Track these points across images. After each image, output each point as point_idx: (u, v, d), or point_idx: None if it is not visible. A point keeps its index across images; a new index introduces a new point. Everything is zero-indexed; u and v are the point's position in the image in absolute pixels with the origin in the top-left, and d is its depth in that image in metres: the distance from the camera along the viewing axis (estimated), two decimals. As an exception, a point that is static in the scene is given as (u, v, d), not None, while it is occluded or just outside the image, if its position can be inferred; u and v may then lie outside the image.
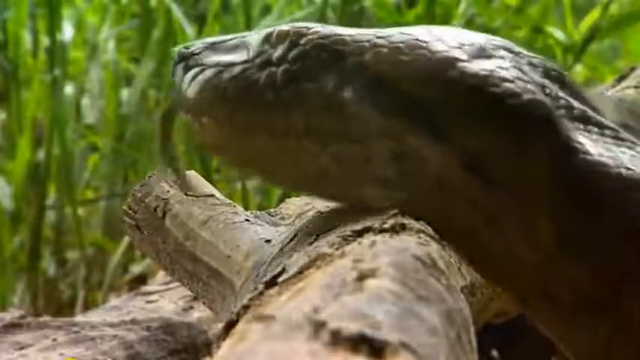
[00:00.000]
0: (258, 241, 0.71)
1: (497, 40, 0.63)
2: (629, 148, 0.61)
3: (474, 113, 0.59)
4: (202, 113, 0.65)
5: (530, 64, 0.62)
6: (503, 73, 0.59)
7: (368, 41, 0.62)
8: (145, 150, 1.93)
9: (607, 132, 0.62)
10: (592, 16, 1.90)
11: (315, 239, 0.60)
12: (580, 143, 0.59)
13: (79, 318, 1.15)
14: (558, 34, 1.93)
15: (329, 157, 0.61)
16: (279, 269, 0.55)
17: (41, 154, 1.88)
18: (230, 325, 0.49)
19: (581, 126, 0.61)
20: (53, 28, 1.93)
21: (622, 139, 0.62)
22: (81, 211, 1.91)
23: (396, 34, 0.62)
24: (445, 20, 1.93)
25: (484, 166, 0.58)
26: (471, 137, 0.58)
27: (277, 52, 0.63)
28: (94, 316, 1.14)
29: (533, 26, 1.99)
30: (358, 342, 0.40)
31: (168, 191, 0.81)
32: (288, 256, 0.60)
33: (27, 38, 2.03)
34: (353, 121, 0.60)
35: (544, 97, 0.60)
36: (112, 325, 1.07)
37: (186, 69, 0.66)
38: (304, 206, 0.75)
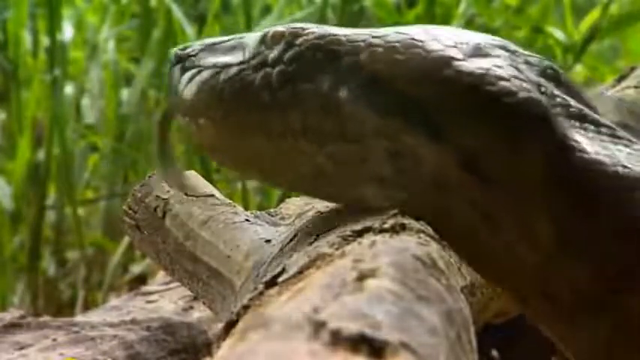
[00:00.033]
0: (258, 241, 0.71)
1: (493, 40, 0.63)
2: (626, 145, 0.61)
3: (470, 112, 0.59)
4: (199, 114, 0.65)
5: (527, 62, 0.62)
6: (499, 72, 0.59)
7: (363, 41, 0.62)
8: (145, 150, 1.93)
9: (603, 130, 0.61)
10: (592, 16, 1.90)
11: (315, 239, 0.60)
12: (576, 141, 0.59)
13: (79, 318, 1.16)
14: (558, 34, 1.93)
15: (325, 157, 0.61)
16: (279, 269, 0.55)
17: (41, 154, 1.88)
18: (230, 325, 0.49)
19: (578, 124, 0.60)
20: (53, 28, 1.93)
21: (619, 137, 0.62)
22: (81, 211, 1.91)
23: (392, 33, 0.62)
24: (445, 20, 1.93)
25: (480, 165, 0.58)
26: (467, 136, 0.58)
27: (273, 53, 0.64)
28: (94, 316, 1.14)
29: (533, 26, 1.99)
30: (358, 342, 0.40)
31: (168, 191, 0.81)
32: (288, 256, 0.60)
33: (27, 38, 2.03)
34: (349, 121, 0.60)
35: (540, 95, 0.59)
36: (112, 325, 1.07)
37: (183, 70, 0.67)
38: (304, 206, 0.75)
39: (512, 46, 0.63)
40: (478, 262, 0.62)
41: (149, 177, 0.84)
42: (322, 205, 0.70)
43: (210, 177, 1.69)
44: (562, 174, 0.58)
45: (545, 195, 0.58)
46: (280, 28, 0.65)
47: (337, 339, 0.40)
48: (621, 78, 1.17)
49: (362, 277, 0.46)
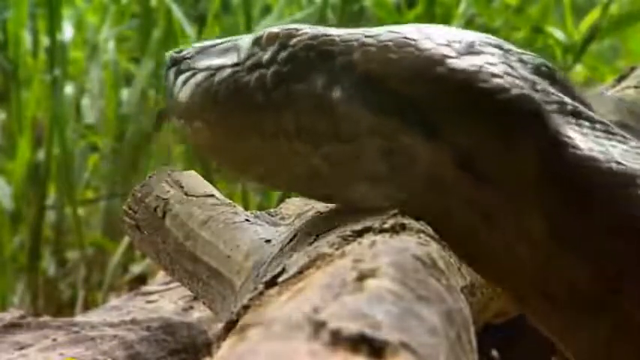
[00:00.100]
0: (258, 241, 0.71)
1: (487, 38, 0.63)
2: (620, 142, 0.61)
3: (464, 109, 0.59)
4: (194, 117, 0.65)
5: (521, 60, 0.62)
6: (492, 69, 0.59)
7: (356, 40, 0.62)
8: (145, 150, 1.93)
9: (598, 127, 0.61)
10: (592, 16, 1.90)
11: (315, 239, 0.60)
12: (569, 137, 0.59)
13: (79, 318, 1.16)
14: (558, 34, 1.94)
15: (320, 158, 0.61)
16: (279, 269, 0.55)
17: (41, 154, 1.88)
18: (230, 325, 0.49)
19: (572, 121, 0.60)
20: (53, 28, 1.93)
21: (613, 134, 0.61)
22: (81, 211, 1.92)
23: (385, 32, 0.62)
24: (445, 20, 1.93)
25: (475, 163, 0.58)
26: (461, 134, 0.58)
27: (267, 55, 0.64)
28: (94, 316, 1.14)
29: (533, 26, 1.99)
30: (358, 342, 0.40)
31: (168, 191, 0.81)
32: (288, 256, 0.60)
33: (27, 38, 2.03)
34: (343, 121, 0.60)
35: (533, 92, 0.59)
36: (112, 325, 1.07)
37: (178, 73, 0.67)
38: (304, 206, 0.75)
39: (506, 45, 0.63)
40: (478, 262, 0.62)
41: (149, 177, 0.84)
42: (322, 205, 0.70)
43: (210, 177, 1.69)
44: (555, 170, 0.58)
45: (539, 191, 0.58)
46: (274, 30, 0.65)
47: (337, 339, 0.40)
48: (621, 78, 1.17)
49: (362, 277, 0.46)
